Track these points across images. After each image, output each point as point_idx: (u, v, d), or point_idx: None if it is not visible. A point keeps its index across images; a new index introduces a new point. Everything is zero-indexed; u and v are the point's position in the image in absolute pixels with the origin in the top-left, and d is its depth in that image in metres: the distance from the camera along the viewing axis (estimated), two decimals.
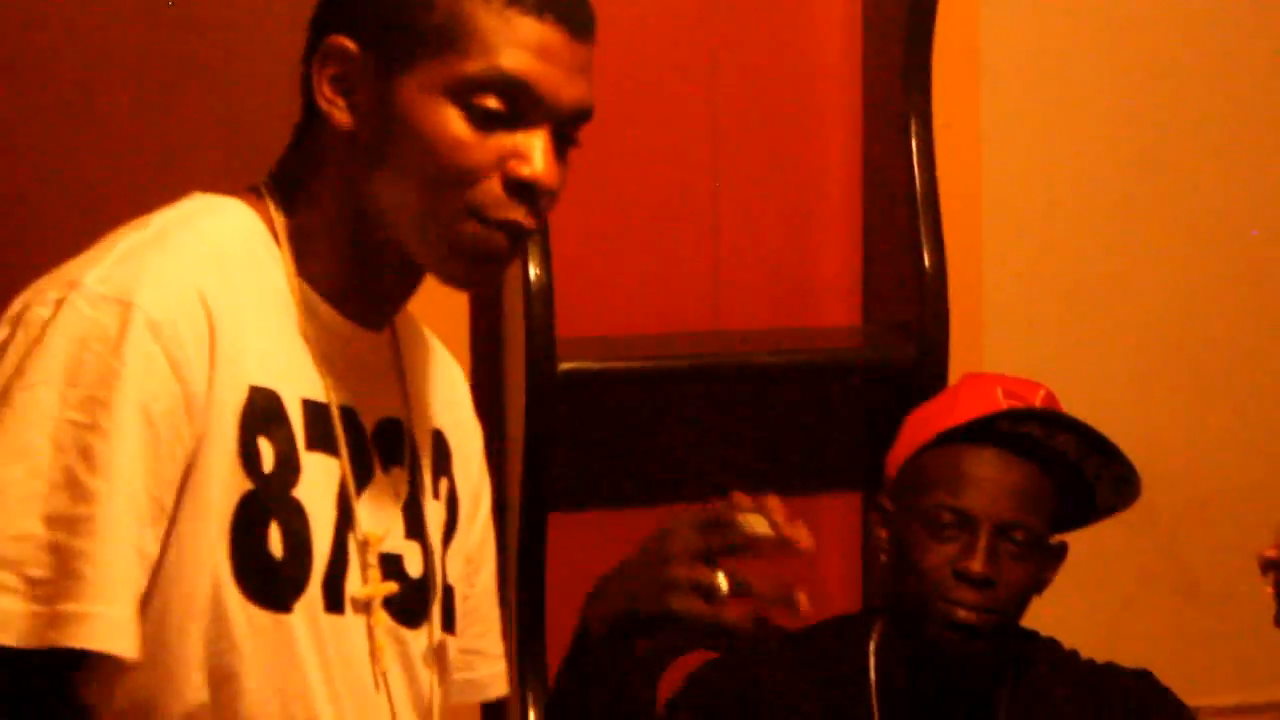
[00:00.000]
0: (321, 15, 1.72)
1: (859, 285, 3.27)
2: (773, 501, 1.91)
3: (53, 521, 1.52)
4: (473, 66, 1.65)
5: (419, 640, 1.78)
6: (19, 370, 1.54)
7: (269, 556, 1.62)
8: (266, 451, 1.62)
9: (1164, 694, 2.58)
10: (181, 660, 1.60)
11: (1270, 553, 2.23)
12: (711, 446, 3.22)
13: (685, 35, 3.21)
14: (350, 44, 1.67)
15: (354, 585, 1.69)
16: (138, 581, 1.55)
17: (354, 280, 1.71)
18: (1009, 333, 3.32)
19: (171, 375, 1.55)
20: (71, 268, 1.59)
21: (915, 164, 3.04)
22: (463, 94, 1.66)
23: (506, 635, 3.02)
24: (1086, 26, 3.44)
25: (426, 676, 1.81)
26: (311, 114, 1.71)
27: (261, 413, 1.62)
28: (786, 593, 1.87)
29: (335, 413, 1.68)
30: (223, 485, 1.59)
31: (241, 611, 1.61)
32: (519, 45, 1.66)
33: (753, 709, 2.52)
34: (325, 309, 1.70)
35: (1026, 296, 3.38)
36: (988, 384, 2.58)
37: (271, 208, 1.71)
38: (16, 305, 1.59)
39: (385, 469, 1.75)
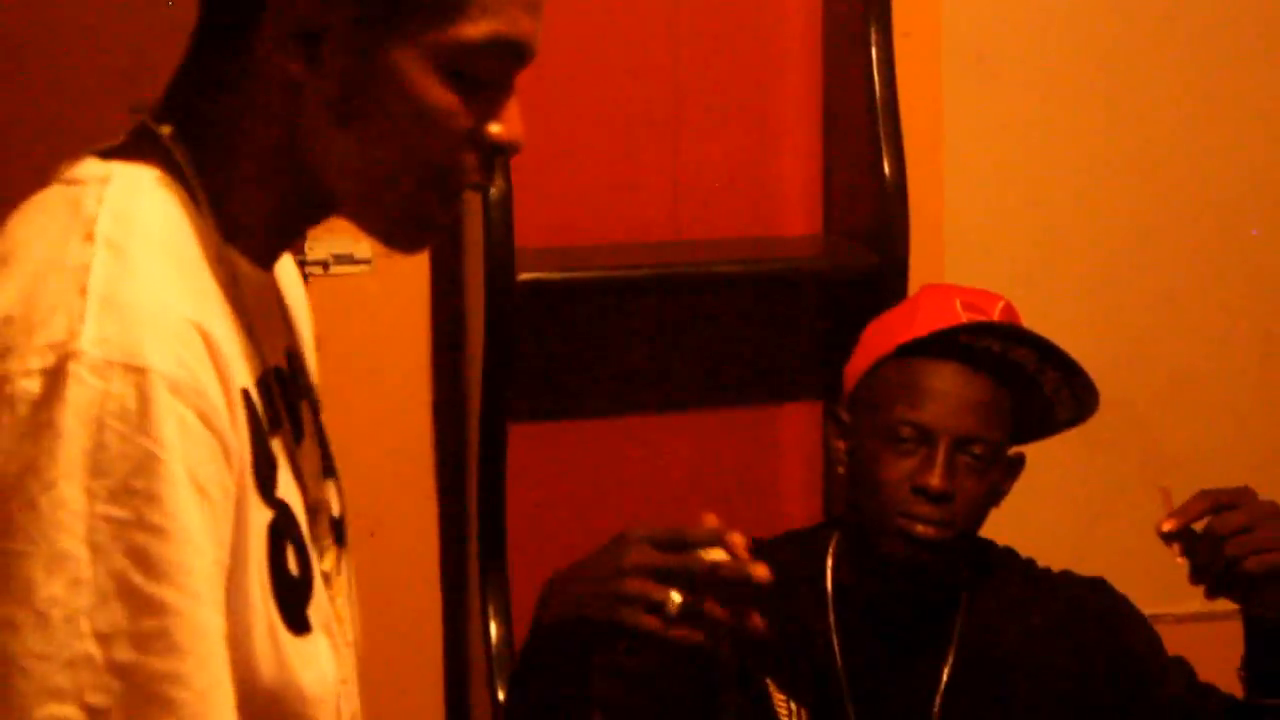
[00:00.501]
0: None
1: (819, 194, 3.28)
2: (735, 537, 1.96)
3: (108, 640, 1.34)
4: (475, 31, 1.50)
5: (351, 575, 1.69)
6: (30, 466, 1.34)
7: (293, 580, 1.51)
8: (261, 462, 1.49)
9: (1118, 599, 2.58)
10: None
11: (1167, 526, 2.23)
12: (672, 357, 3.27)
13: None
14: None
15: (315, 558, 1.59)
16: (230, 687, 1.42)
17: (275, 232, 1.57)
18: (970, 241, 3.34)
19: (207, 432, 1.38)
20: (40, 311, 1.38)
21: (875, 73, 3.05)
22: (459, 61, 1.51)
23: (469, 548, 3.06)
24: None
25: (352, 601, 1.69)
26: (237, 50, 1.52)
27: (252, 421, 1.48)
28: (739, 619, 1.97)
29: (272, 380, 1.55)
30: (255, 521, 1.46)
31: (294, 650, 1.49)
32: (513, 4, 1.53)
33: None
34: (246, 266, 1.53)
35: (988, 205, 3.39)
36: (947, 296, 2.56)
37: (184, 163, 1.51)
38: None
39: (301, 410, 1.63)
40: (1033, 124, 3.45)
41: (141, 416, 1.35)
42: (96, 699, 1.35)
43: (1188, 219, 3.54)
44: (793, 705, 2.51)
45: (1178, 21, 3.53)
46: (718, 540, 1.98)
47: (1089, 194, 3.49)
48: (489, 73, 1.53)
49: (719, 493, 3.24)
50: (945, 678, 2.51)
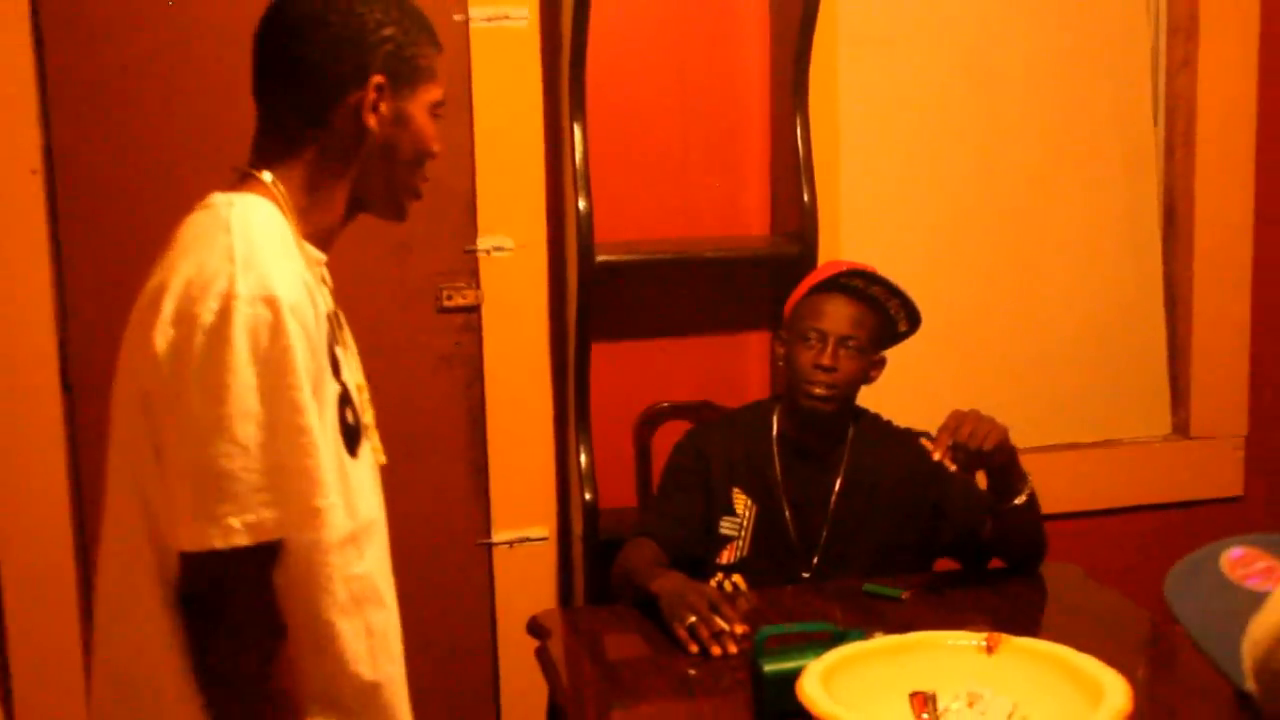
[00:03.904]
0: (357, 56, 1.55)
1: (769, 211, 3.20)
2: (738, 627, 2.14)
3: (282, 453, 1.40)
4: (440, 93, 1.61)
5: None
6: (219, 361, 1.38)
7: (349, 425, 1.53)
8: (333, 357, 1.52)
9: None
10: (337, 504, 1.48)
11: (936, 456, 2.25)
12: (684, 305, 3.20)
13: (664, 72, 3.14)
14: (382, 79, 1.54)
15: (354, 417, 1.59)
16: None
17: (329, 233, 1.59)
18: (856, 243, 3.21)
19: (306, 338, 1.42)
20: (208, 275, 1.41)
21: (799, 143, 2.99)
22: (434, 109, 1.61)
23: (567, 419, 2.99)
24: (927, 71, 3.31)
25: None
26: (318, 124, 1.55)
27: (329, 331, 1.51)
28: (726, 641, 2.12)
29: (333, 314, 1.57)
30: (329, 388, 1.49)
31: (351, 468, 1.53)
32: (442, 79, 1.63)
33: (707, 459, 2.54)
34: (315, 253, 1.56)
35: (867, 221, 3.26)
36: (837, 263, 2.61)
37: (280, 192, 1.53)
38: (174, 309, 1.41)
39: (347, 339, 1.64)
40: (897, 173, 3.29)
41: (276, 326, 1.39)
42: (281, 487, 1.39)
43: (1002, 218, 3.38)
44: (749, 501, 2.51)
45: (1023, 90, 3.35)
46: (733, 617, 2.16)
47: (936, 212, 3.33)
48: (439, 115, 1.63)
49: (711, 380, 3.18)
50: (838, 485, 2.53)
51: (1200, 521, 3.50)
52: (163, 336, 1.41)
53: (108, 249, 2.93)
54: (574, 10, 2.80)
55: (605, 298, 3.04)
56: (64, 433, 2.90)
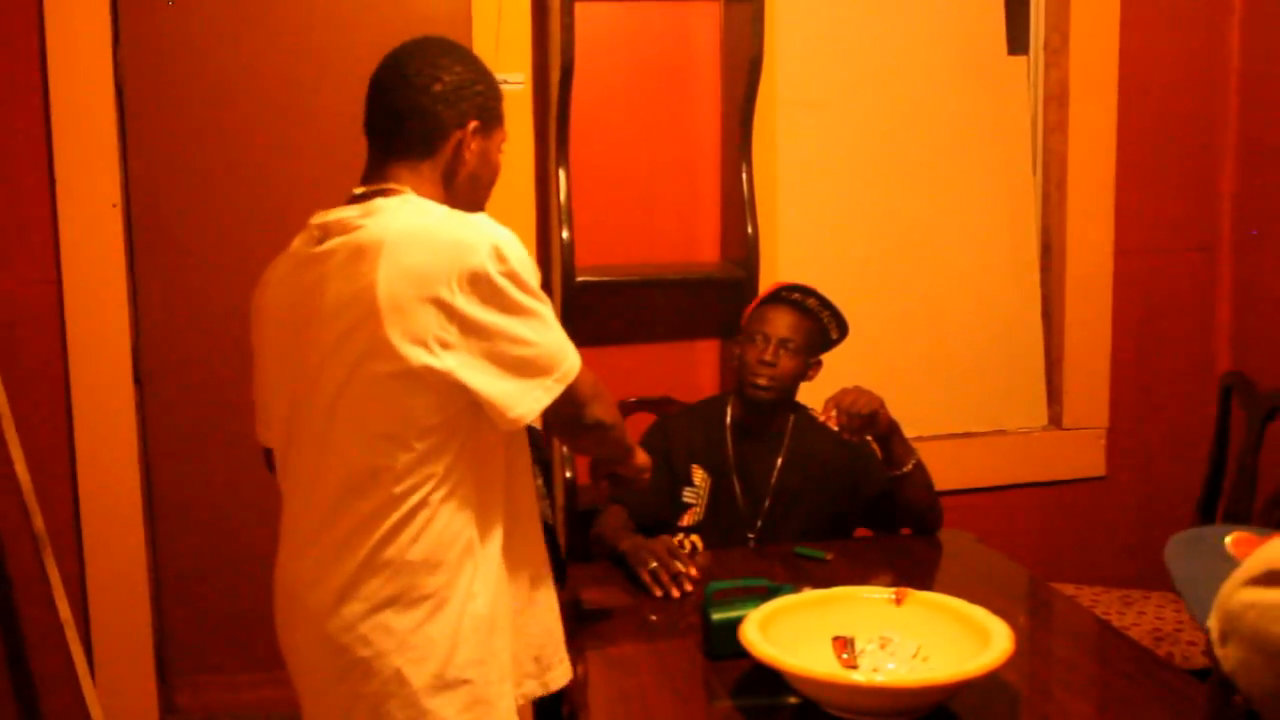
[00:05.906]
0: (459, 105, 1.63)
1: (718, 242, 3.19)
2: (693, 570, 2.17)
3: (558, 335, 1.57)
4: (504, 133, 1.70)
5: None
6: (507, 289, 1.49)
7: None
8: None
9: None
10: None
11: (823, 418, 2.27)
12: (650, 318, 3.18)
13: (633, 128, 3.12)
14: (476, 123, 1.64)
15: None
16: None
17: None
18: (790, 269, 3.17)
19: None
20: (471, 242, 1.50)
21: (745, 186, 2.98)
22: (501, 145, 1.70)
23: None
24: (853, 128, 3.31)
25: None
26: (431, 153, 1.63)
27: None
28: (683, 581, 2.16)
29: None
30: None
31: None
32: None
33: (671, 441, 2.52)
34: None
35: (800, 250, 3.23)
36: (780, 283, 2.55)
37: (414, 198, 1.62)
38: (456, 269, 1.48)
39: None
40: (825, 211, 3.26)
41: (530, 259, 1.55)
42: (565, 343, 1.58)
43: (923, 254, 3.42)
44: (705, 475, 2.49)
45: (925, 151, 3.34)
46: (686, 562, 2.19)
47: (856, 244, 3.29)
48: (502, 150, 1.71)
49: (671, 379, 3.15)
50: (779, 464, 2.51)
51: (1070, 497, 3.52)
52: (456, 287, 1.47)
53: (174, 271, 2.92)
54: (560, 77, 2.81)
55: (584, 311, 3.02)
56: (135, 418, 2.88)
